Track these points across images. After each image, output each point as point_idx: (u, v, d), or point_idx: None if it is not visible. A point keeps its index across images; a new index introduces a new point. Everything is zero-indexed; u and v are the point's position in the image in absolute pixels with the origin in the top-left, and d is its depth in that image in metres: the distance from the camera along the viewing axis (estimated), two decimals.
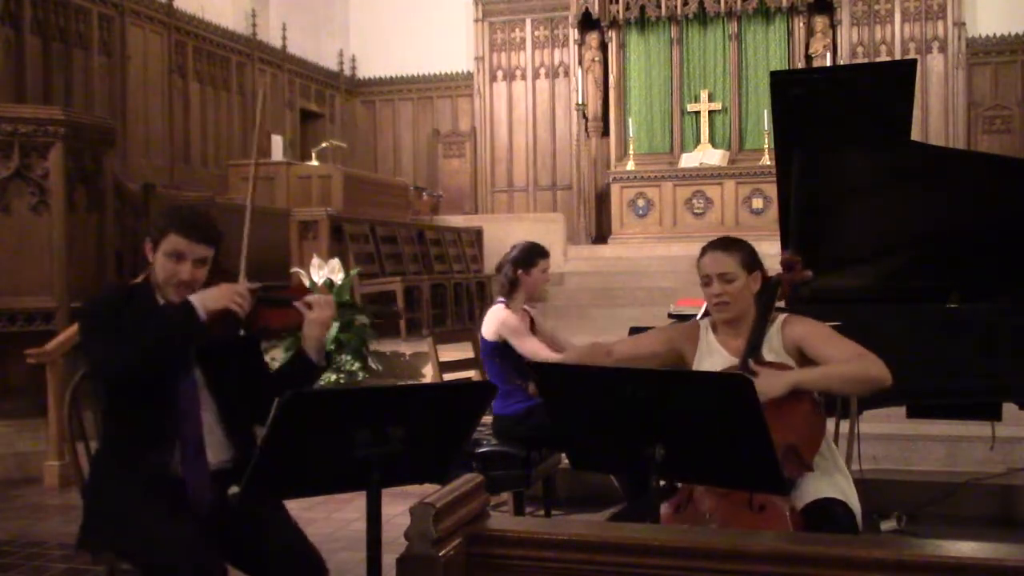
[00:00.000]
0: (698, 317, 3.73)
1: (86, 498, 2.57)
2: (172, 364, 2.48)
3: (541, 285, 4.35)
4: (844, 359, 2.58)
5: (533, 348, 4.10)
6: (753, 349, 2.65)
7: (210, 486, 2.48)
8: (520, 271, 4.24)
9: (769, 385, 2.49)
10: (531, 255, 4.28)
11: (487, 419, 4.14)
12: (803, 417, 2.51)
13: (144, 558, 2.38)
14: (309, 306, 2.58)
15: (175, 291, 2.52)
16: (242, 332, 2.63)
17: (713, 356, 2.77)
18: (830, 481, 2.60)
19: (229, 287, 2.50)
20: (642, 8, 13.34)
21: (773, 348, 2.70)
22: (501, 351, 4.16)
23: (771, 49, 13.25)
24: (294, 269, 7.35)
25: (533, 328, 4.30)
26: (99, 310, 2.56)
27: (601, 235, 13.33)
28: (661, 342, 2.89)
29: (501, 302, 4.26)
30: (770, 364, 2.62)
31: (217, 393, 2.55)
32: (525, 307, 4.34)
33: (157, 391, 2.46)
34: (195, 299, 2.43)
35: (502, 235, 10.25)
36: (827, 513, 2.49)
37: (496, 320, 4.17)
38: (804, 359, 2.67)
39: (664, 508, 2.50)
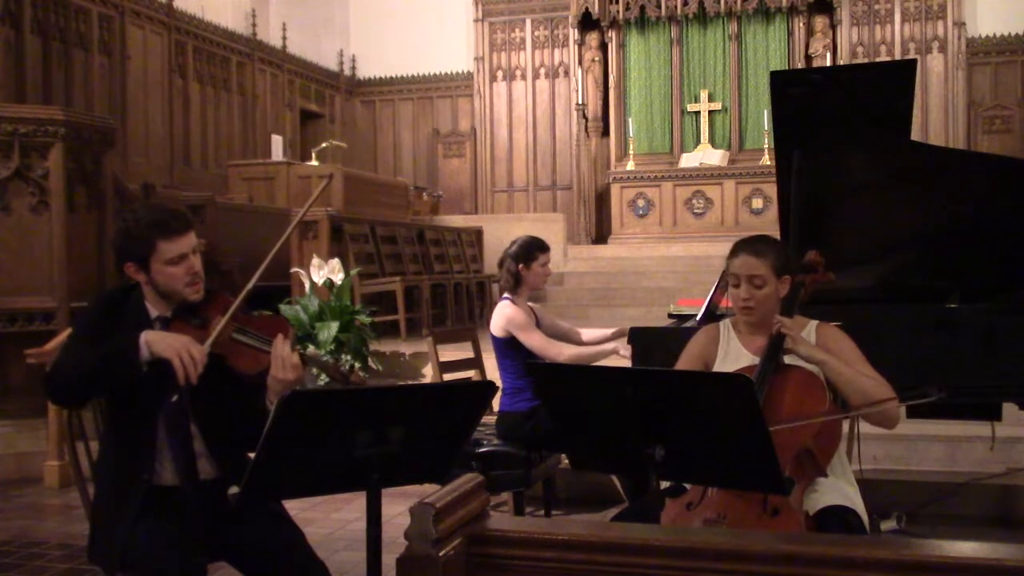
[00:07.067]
0: (698, 318, 3.72)
1: (91, 511, 2.57)
2: (112, 390, 2.43)
3: (543, 279, 4.37)
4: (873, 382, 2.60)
5: (540, 343, 4.13)
6: (775, 348, 2.63)
7: (202, 495, 2.47)
8: (521, 266, 4.28)
9: (804, 343, 2.60)
10: (530, 249, 4.31)
11: (487, 419, 4.14)
12: (823, 423, 2.51)
13: (133, 569, 2.38)
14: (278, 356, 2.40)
15: (194, 290, 2.50)
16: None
17: (733, 357, 2.77)
18: (843, 488, 2.60)
19: (185, 342, 2.33)
20: (642, 8, 13.34)
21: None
22: (511, 347, 4.18)
23: (771, 49, 13.25)
24: (294, 269, 7.34)
25: (538, 324, 4.32)
26: (91, 320, 2.53)
27: (601, 235, 13.33)
28: (696, 364, 2.83)
29: (507, 298, 4.27)
30: (791, 367, 2.62)
31: (201, 412, 2.51)
32: (530, 304, 4.36)
33: (141, 404, 2.43)
34: (145, 337, 2.33)
35: (502, 235, 10.22)
36: (841, 520, 2.48)
37: (503, 317, 4.20)
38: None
39: (674, 505, 2.50)
